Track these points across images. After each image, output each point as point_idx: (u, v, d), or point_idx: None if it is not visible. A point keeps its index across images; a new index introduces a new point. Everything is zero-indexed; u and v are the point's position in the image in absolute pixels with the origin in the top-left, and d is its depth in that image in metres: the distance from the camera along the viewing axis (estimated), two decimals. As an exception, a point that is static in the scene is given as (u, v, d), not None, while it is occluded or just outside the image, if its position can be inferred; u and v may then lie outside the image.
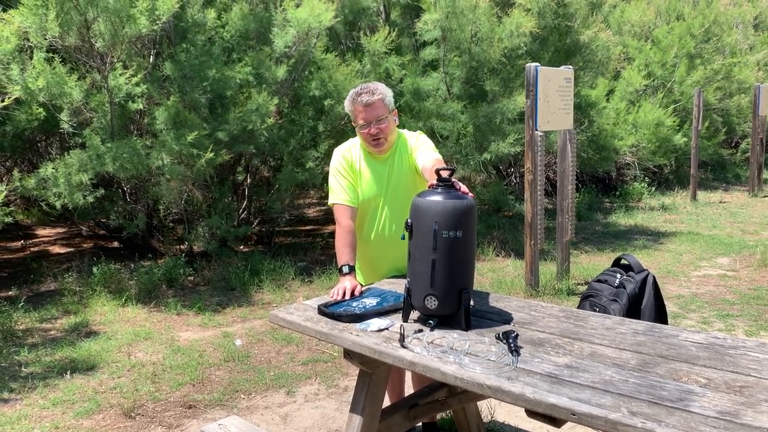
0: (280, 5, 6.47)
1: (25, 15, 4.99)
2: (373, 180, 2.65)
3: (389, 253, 2.69)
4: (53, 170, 5.27)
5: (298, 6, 6.34)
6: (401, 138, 2.68)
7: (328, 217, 9.59)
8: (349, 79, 6.44)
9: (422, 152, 2.58)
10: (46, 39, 5.18)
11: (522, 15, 7.00)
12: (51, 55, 5.30)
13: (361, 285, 2.53)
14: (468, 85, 7.30)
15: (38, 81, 5.05)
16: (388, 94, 2.62)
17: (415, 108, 7.11)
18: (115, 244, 7.34)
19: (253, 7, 6.65)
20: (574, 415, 1.49)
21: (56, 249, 7.39)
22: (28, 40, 5.18)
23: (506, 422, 3.26)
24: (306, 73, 6.62)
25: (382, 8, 8.12)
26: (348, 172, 2.66)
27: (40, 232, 8.34)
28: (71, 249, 7.35)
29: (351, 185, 2.65)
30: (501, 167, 10.10)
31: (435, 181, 2.11)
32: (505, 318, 2.16)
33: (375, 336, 2.02)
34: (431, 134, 7.22)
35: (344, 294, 2.39)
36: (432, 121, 7.02)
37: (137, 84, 5.48)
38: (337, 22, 7.34)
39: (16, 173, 5.34)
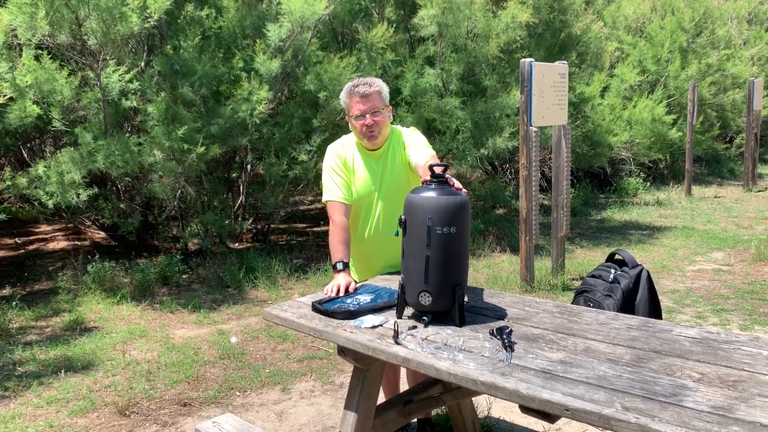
0: None
1: (15, 13, 4.95)
2: (366, 177, 2.64)
3: (383, 249, 2.69)
4: (45, 168, 5.24)
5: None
6: (395, 134, 2.68)
7: (324, 214, 9.58)
8: (345, 74, 6.42)
9: (416, 148, 2.57)
10: (35, 36, 5.14)
11: (517, 7, 6.99)
12: (40, 52, 5.27)
13: (356, 282, 2.53)
14: (465, 81, 7.29)
15: (27, 77, 5.02)
16: (384, 88, 2.62)
17: (411, 104, 7.11)
18: (110, 242, 7.31)
19: (248, 1, 6.63)
20: (567, 410, 1.49)
21: (51, 247, 7.37)
22: (17, 36, 5.14)
23: (501, 418, 3.26)
24: (301, 68, 6.60)
25: (377, 4, 8.10)
26: (342, 170, 2.65)
27: (35, 230, 8.30)
28: (66, 247, 7.33)
29: (345, 182, 2.64)
30: (497, 163, 10.10)
31: (428, 178, 2.10)
32: (499, 314, 2.16)
33: (369, 333, 2.01)
34: (428, 130, 7.22)
35: (338, 291, 2.38)
36: (429, 116, 7.01)
37: (130, 81, 5.44)
38: (334, 18, 7.32)
39: (8, 172, 5.32)
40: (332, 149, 2.70)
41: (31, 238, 7.86)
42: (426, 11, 6.85)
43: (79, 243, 7.51)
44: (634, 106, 10.54)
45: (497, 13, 7.12)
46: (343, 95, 2.63)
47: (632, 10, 11.52)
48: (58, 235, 7.96)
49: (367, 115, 2.55)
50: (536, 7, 7.43)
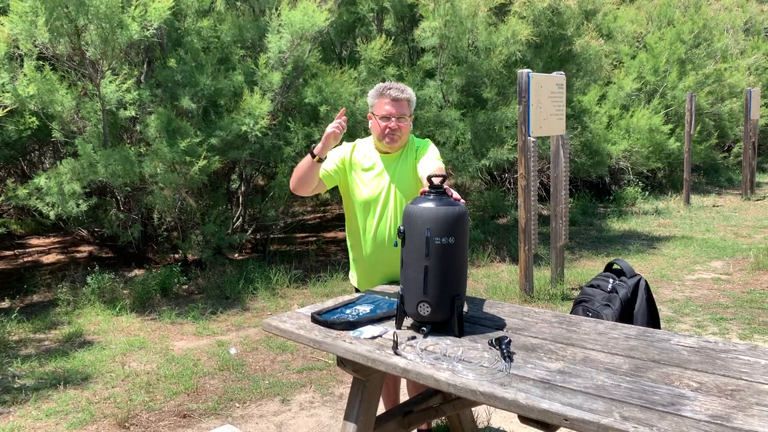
0: (276, 9, 6.49)
1: (15, 22, 4.98)
2: (376, 180, 2.64)
3: (387, 257, 2.67)
4: (46, 180, 5.26)
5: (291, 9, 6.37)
6: (411, 143, 2.69)
7: (324, 225, 9.59)
8: (345, 87, 6.46)
9: (425, 159, 2.58)
10: (36, 46, 5.18)
11: (518, 22, 7.04)
12: (41, 63, 5.30)
13: (356, 290, 2.53)
14: (465, 93, 7.32)
15: (29, 88, 5.04)
16: (413, 98, 2.66)
17: (412, 116, 7.14)
18: (110, 253, 7.31)
19: (247, 13, 6.67)
20: (566, 420, 1.50)
21: (50, 259, 7.36)
22: (18, 47, 5.18)
23: (501, 428, 3.26)
24: (301, 80, 6.63)
25: (375, 16, 8.15)
26: (340, 160, 2.66)
27: (34, 241, 8.31)
28: (65, 259, 7.33)
29: (334, 170, 2.64)
30: (495, 173, 10.13)
31: (427, 188, 2.12)
32: (498, 324, 2.16)
33: (368, 343, 2.02)
34: (428, 141, 7.24)
35: (334, 131, 2.46)
36: (429, 128, 7.04)
37: (129, 91, 5.47)
38: (332, 31, 7.37)
39: (9, 183, 5.33)
40: (347, 144, 2.72)
41: (29, 250, 7.86)
42: (428, 23, 6.89)
43: (77, 255, 7.51)
44: (632, 116, 10.58)
45: (498, 26, 7.16)
46: (372, 93, 2.65)
47: (630, 25, 11.57)
48: (56, 247, 7.96)
49: (393, 119, 2.56)
50: (536, 21, 7.48)
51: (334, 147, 2.64)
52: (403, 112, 2.58)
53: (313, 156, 2.49)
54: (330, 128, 2.48)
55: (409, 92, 2.63)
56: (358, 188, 2.65)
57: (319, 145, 2.51)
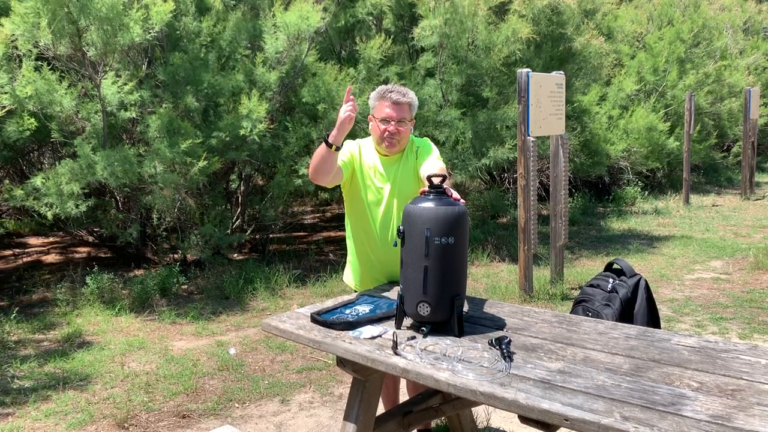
0: (270, 10, 6.49)
1: (17, 23, 4.98)
2: (377, 183, 2.63)
3: (389, 258, 2.66)
4: (44, 180, 5.25)
5: (286, 9, 6.36)
6: (411, 143, 2.68)
7: (323, 224, 9.58)
8: (343, 86, 6.46)
9: (427, 160, 2.57)
10: (37, 47, 5.17)
11: (518, 21, 7.03)
12: (40, 63, 5.29)
13: (356, 291, 2.52)
14: (464, 92, 7.32)
15: (26, 88, 5.03)
16: (415, 102, 2.63)
17: (413, 120, 7.15)
18: (109, 253, 7.31)
19: (247, 13, 6.67)
20: (566, 420, 1.50)
21: (49, 259, 7.36)
22: (17, 48, 5.17)
23: (501, 428, 3.25)
24: (299, 80, 6.63)
25: (375, 18, 8.15)
26: (351, 154, 2.62)
27: (33, 241, 8.30)
28: (64, 259, 7.32)
29: (347, 161, 2.60)
30: (495, 173, 10.13)
31: (426, 188, 2.11)
32: (498, 324, 2.16)
33: (368, 343, 2.01)
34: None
35: (348, 115, 2.38)
36: (429, 128, 7.04)
37: (130, 92, 5.46)
38: (332, 31, 7.36)
39: (6, 183, 5.32)
40: (351, 141, 2.69)
41: (29, 250, 7.85)
42: (428, 22, 6.89)
43: (76, 255, 7.50)
44: (631, 115, 10.58)
45: (498, 25, 7.16)
46: (373, 95, 2.62)
47: (630, 25, 11.55)
48: (55, 247, 7.95)
49: (393, 123, 2.54)
50: (535, 20, 7.48)
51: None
52: (404, 116, 2.56)
53: (330, 145, 2.41)
54: (344, 112, 2.39)
55: (411, 96, 2.59)
56: (361, 190, 2.64)
57: (334, 131, 2.42)
